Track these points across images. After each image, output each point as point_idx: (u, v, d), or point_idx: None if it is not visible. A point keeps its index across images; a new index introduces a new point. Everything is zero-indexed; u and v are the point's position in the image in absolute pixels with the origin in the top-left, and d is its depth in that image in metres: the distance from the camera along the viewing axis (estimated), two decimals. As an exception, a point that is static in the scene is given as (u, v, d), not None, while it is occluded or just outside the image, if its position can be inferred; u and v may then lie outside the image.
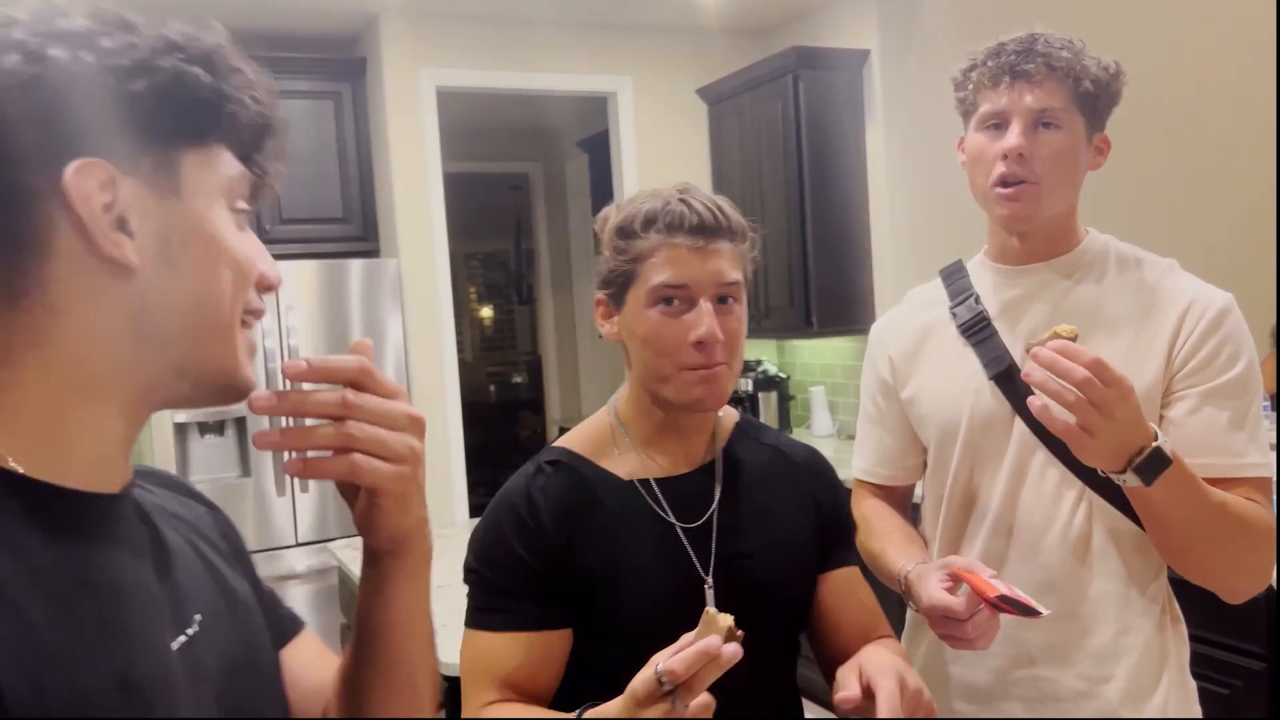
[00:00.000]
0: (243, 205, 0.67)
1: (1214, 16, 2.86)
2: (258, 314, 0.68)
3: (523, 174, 6.50)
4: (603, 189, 4.80)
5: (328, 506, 3.82)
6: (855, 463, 1.54)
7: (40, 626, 0.54)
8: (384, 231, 4.14)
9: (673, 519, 1.14)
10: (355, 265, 3.92)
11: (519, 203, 7.18)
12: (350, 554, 2.90)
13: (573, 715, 1.00)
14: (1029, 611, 1.10)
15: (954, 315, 1.39)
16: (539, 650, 1.09)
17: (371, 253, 4.15)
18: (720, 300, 1.09)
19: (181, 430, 3.71)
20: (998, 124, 1.28)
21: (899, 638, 1.43)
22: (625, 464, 1.16)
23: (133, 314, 0.61)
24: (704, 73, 4.42)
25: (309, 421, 0.64)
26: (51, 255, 0.59)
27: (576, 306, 6.25)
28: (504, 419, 7.95)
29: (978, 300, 1.37)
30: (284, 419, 0.65)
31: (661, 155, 4.43)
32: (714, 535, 1.14)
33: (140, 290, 0.61)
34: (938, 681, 1.37)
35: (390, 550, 0.70)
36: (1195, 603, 1.39)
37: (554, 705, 1.11)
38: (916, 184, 3.98)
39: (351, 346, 0.67)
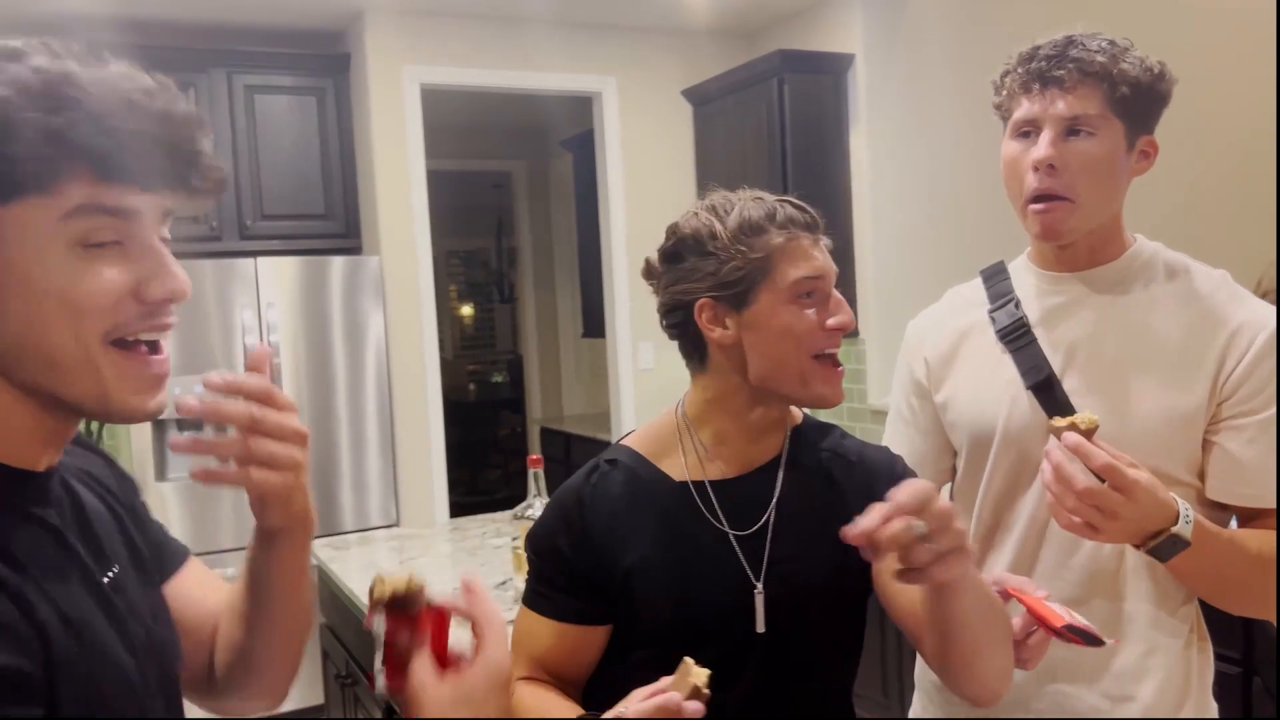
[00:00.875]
0: (101, 236, 0.69)
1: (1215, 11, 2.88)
2: (155, 329, 0.73)
3: (506, 172, 6.48)
4: (587, 188, 4.79)
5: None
6: None
7: None
8: (366, 228, 4.11)
9: (724, 524, 1.13)
10: (337, 262, 3.90)
11: (501, 201, 7.16)
12: (330, 552, 2.88)
13: (583, 715, 1.05)
14: (1095, 641, 1.07)
15: (993, 319, 1.33)
16: (571, 640, 1.13)
17: (353, 250, 4.12)
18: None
19: (159, 426, 3.68)
20: (1028, 132, 1.22)
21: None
22: (680, 465, 1.16)
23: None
24: (689, 74, 4.42)
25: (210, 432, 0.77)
26: None
27: (559, 305, 6.24)
28: (484, 418, 7.92)
29: (1018, 305, 1.31)
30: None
31: (646, 156, 4.43)
32: (768, 541, 1.13)
33: None
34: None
35: (277, 529, 0.86)
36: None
37: (584, 693, 1.15)
38: (900, 188, 4.01)
39: (250, 360, 0.80)
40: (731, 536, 1.13)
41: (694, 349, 1.17)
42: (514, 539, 2.19)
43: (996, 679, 1.05)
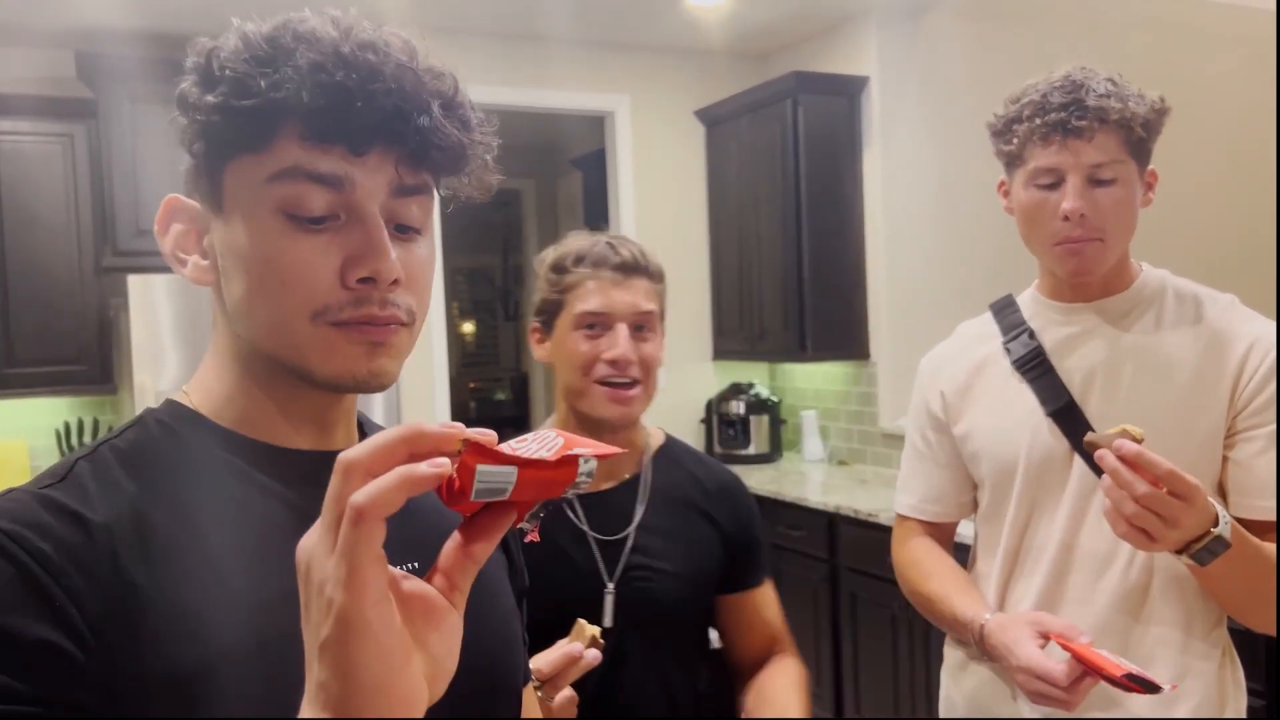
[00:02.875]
0: (310, 206, 0.64)
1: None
2: (364, 320, 0.66)
3: (514, 190, 6.48)
4: (597, 207, 4.78)
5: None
6: (900, 499, 1.51)
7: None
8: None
9: (587, 528, 1.28)
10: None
11: (508, 219, 7.15)
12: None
13: None
14: (1154, 688, 1.07)
15: (1008, 351, 1.37)
16: None
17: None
18: (636, 328, 1.26)
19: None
20: (1052, 183, 1.26)
21: (941, 670, 1.43)
22: None
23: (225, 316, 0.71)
24: (703, 94, 4.42)
25: None
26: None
27: (564, 324, 6.22)
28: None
29: (1032, 335, 1.35)
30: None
31: (658, 176, 4.42)
32: (626, 549, 1.28)
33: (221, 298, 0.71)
34: None
35: None
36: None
37: None
38: (913, 210, 3.99)
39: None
40: (592, 539, 1.28)
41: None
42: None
43: None
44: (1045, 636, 1.18)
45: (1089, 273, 1.28)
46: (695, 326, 4.51)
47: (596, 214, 4.82)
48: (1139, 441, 1.06)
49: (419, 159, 0.66)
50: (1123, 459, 1.05)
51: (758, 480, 3.90)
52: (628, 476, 1.32)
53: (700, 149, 4.50)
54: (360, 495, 0.47)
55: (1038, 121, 1.24)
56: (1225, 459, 1.25)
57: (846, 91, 4.01)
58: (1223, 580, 1.16)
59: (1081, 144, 1.22)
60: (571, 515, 1.28)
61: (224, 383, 0.72)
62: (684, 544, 1.32)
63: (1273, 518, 1.22)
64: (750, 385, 4.40)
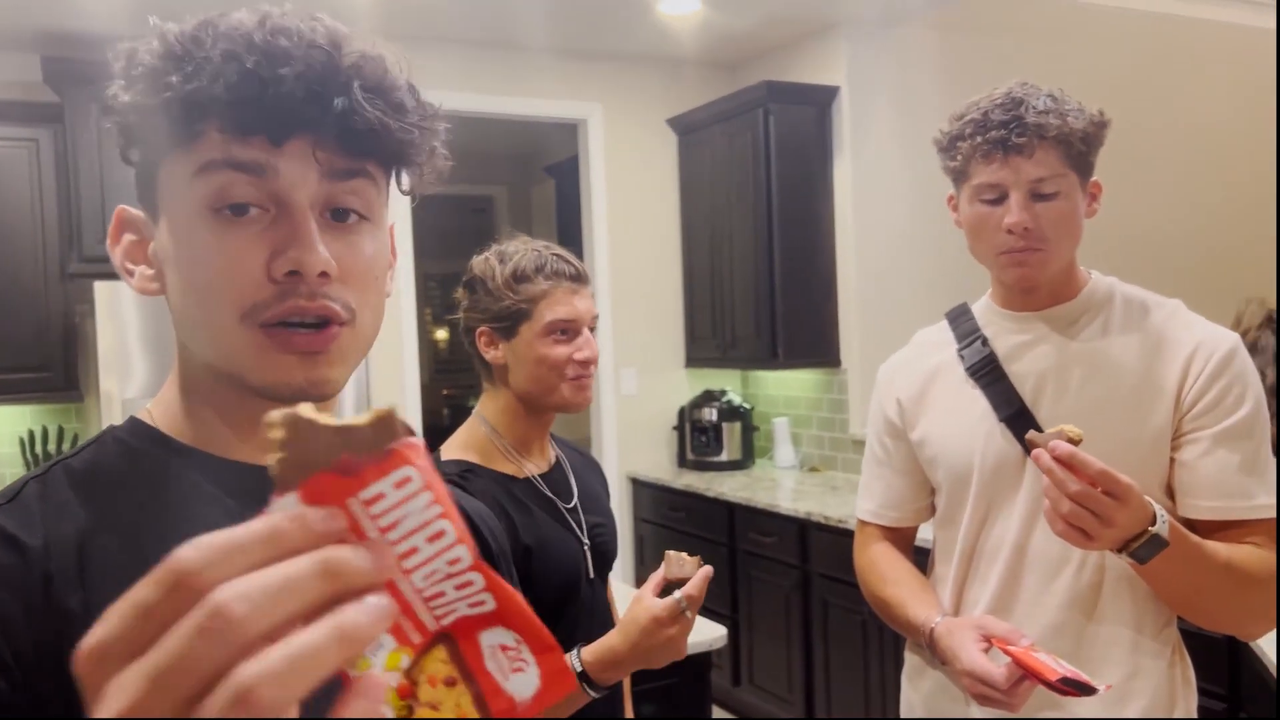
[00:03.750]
0: (234, 195, 0.62)
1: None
2: (290, 313, 0.63)
3: (488, 197, 6.48)
4: (570, 214, 4.79)
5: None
6: (860, 504, 1.54)
7: None
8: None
9: (561, 503, 1.47)
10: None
11: (482, 225, 7.14)
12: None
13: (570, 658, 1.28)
14: (1089, 690, 1.10)
15: (962, 357, 1.40)
16: None
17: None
18: (591, 330, 1.45)
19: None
20: (996, 198, 1.29)
21: (900, 674, 1.45)
22: (511, 466, 1.46)
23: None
24: (675, 103, 4.44)
25: None
26: None
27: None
28: (445, 454, 7.81)
29: (985, 343, 1.38)
30: None
31: (630, 183, 4.43)
32: (580, 513, 1.49)
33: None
34: None
35: None
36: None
37: None
38: (883, 218, 4.03)
39: None
40: (565, 511, 1.46)
41: (482, 364, 1.48)
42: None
43: None
44: (989, 640, 1.21)
45: (1033, 281, 1.31)
46: (668, 334, 4.52)
47: (570, 221, 4.83)
48: (1076, 442, 1.09)
49: (344, 143, 0.63)
50: (1058, 459, 1.07)
51: (730, 487, 3.92)
52: (553, 459, 1.53)
53: (673, 157, 4.52)
54: (252, 672, 0.32)
55: (979, 139, 1.27)
56: (1172, 460, 1.28)
57: (817, 101, 4.04)
58: (1166, 578, 1.19)
59: (1022, 160, 1.25)
60: (547, 492, 1.47)
61: (179, 397, 0.70)
62: (603, 503, 1.58)
63: (1216, 517, 1.25)
64: (723, 392, 4.42)
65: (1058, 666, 1.13)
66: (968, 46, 4.05)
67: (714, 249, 4.31)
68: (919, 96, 3.95)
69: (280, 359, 0.63)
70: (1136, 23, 4.43)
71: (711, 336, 4.37)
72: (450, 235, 7.80)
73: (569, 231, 4.90)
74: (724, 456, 4.32)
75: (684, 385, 4.53)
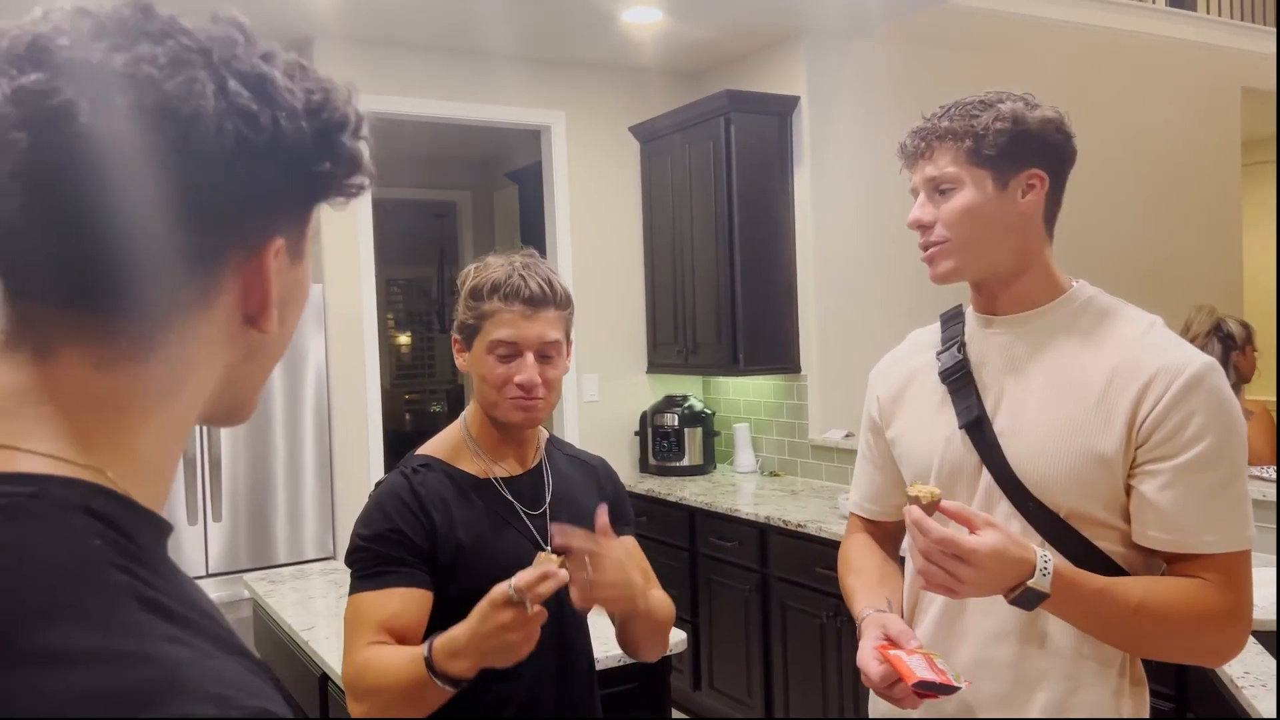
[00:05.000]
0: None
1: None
2: None
3: (450, 202, 6.47)
4: (533, 220, 4.80)
5: (239, 536, 3.70)
6: (851, 495, 1.61)
7: None
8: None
9: (522, 507, 1.49)
10: (278, 289, 3.83)
11: (445, 230, 7.13)
12: (265, 586, 2.80)
13: (423, 646, 1.28)
14: (948, 690, 1.16)
15: (939, 360, 1.41)
16: (414, 603, 1.38)
17: (295, 276, 4.05)
18: (543, 356, 1.43)
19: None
20: (917, 200, 1.36)
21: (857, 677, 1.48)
22: (477, 466, 1.50)
23: (232, 364, 0.61)
24: (638, 111, 4.48)
25: None
26: (208, 317, 0.58)
27: (500, 337, 6.21)
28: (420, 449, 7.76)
29: (961, 348, 1.38)
30: None
31: (593, 190, 4.46)
32: (547, 518, 1.50)
33: (251, 345, 0.61)
34: None
35: None
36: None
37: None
38: (842, 227, 4.09)
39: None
40: (525, 516, 1.49)
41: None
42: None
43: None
44: (888, 638, 1.27)
45: (944, 274, 1.33)
46: (630, 340, 4.55)
47: (533, 227, 4.84)
48: (935, 501, 1.17)
49: None
50: (913, 522, 1.16)
51: (691, 492, 3.95)
52: (533, 465, 1.55)
53: (635, 164, 4.55)
54: None
55: (905, 145, 1.37)
56: (1130, 488, 1.25)
57: (777, 110, 4.10)
58: (1069, 619, 1.23)
59: (924, 162, 1.33)
60: (506, 495, 1.49)
61: None
62: (584, 512, 1.52)
63: (1164, 549, 1.24)
64: (684, 398, 4.45)
65: (922, 671, 1.18)
66: (925, 59, 4.13)
67: (676, 256, 4.35)
68: (878, 107, 4.02)
69: None
70: (1085, 35, 4.55)
71: (673, 342, 4.40)
72: (413, 240, 7.80)
73: (532, 237, 4.91)
74: (685, 461, 4.36)
75: (646, 391, 4.56)
